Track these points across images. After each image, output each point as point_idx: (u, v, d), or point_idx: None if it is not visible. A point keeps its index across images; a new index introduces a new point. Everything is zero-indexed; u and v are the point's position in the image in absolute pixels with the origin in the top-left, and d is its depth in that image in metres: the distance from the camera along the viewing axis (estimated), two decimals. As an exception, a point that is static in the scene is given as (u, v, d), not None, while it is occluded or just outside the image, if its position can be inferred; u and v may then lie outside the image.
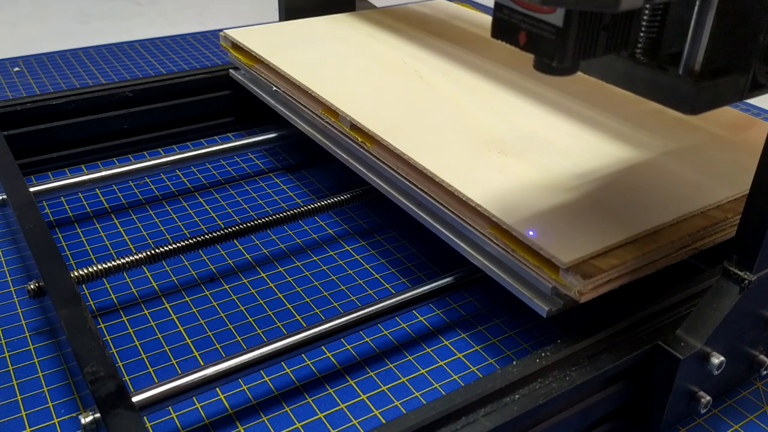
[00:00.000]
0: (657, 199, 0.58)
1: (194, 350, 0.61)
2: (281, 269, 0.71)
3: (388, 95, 0.73)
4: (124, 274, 0.69)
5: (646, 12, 0.42)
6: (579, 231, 0.53)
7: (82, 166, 0.87)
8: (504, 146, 0.65)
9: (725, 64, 0.43)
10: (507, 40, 0.40)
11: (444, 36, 0.91)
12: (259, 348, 0.55)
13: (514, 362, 0.48)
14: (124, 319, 0.64)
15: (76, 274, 0.61)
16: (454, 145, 0.64)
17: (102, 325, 0.63)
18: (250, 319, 0.64)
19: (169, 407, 0.55)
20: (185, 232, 0.76)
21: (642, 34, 0.43)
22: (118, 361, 0.60)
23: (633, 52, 0.44)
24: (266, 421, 0.55)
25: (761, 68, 0.44)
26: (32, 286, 0.58)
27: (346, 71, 0.79)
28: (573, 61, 0.39)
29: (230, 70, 0.91)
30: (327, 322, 0.57)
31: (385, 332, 0.63)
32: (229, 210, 0.80)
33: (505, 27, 0.40)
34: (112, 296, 0.67)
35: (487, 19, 0.99)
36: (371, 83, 0.76)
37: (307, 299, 0.67)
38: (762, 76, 0.44)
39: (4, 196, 0.68)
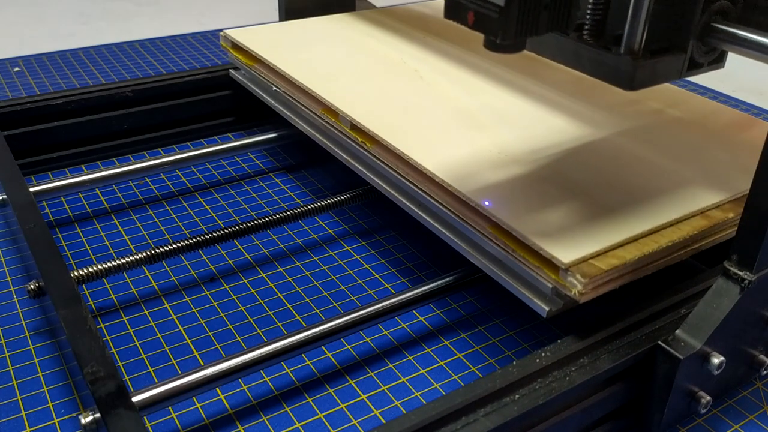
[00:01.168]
0: (657, 199, 0.58)
1: (194, 350, 0.61)
2: (281, 269, 0.71)
3: (388, 95, 0.73)
4: (124, 274, 0.69)
5: None
6: (579, 231, 0.53)
7: (82, 166, 0.87)
8: (505, 146, 0.65)
9: (664, 44, 0.46)
10: (457, 20, 0.43)
11: (444, 36, 0.91)
12: (259, 348, 0.55)
13: (514, 362, 0.48)
14: (124, 319, 0.64)
15: (76, 274, 0.61)
16: (455, 144, 0.64)
17: (102, 325, 0.63)
18: (250, 319, 0.64)
19: (169, 407, 0.55)
20: (185, 232, 0.76)
21: (588, 17, 0.46)
22: (118, 361, 0.60)
23: (581, 34, 0.47)
24: (266, 421, 0.55)
25: (699, 48, 0.47)
26: (32, 286, 0.58)
27: (346, 71, 0.79)
28: (516, 38, 0.42)
29: (230, 70, 0.91)
30: (327, 322, 0.57)
31: (385, 332, 0.63)
32: (229, 210, 0.80)
33: (455, 8, 0.43)
34: (112, 296, 0.67)
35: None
36: (371, 83, 0.76)
37: (307, 299, 0.67)
38: (700, 55, 0.47)
39: (4, 196, 0.68)
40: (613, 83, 0.46)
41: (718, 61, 0.49)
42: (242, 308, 0.66)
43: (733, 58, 0.49)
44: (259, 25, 0.92)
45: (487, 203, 0.56)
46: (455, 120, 0.69)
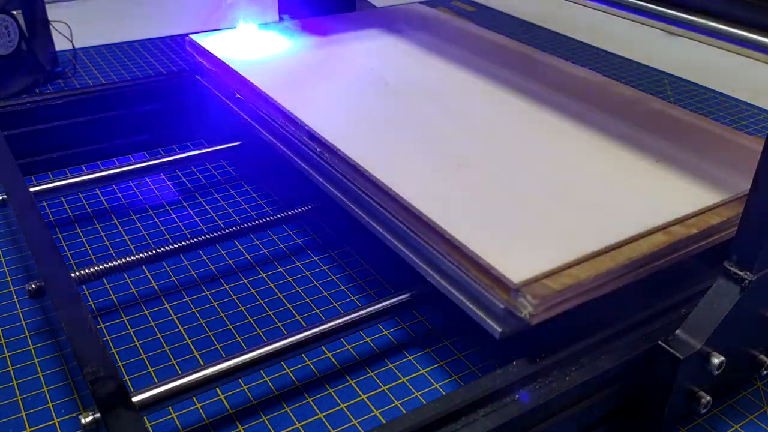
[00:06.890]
0: (620, 213, 0.55)
1: (194, 350, 0.61)
2: (281, 269, 0.71)
3: (350, 104, 0.72)
4: (124, 274, 0.69)
5: None
6: (534, 248, 0.51)
7: (82, 166, 0.87)
8: (465, 159, 0.62)
9: None
10: None
11: (418, 42, 0.89)
12: (259, 348, 0.54)
13: (514, 362, 0.48)
14: (124, 319, 0.64)
15: (76, 274, 0.61)
16: (414, 157, 0.62)
17: (102, 325, 0.63)
18: (250, 319, 0.64)
19: (169, 407, 0.55)
20: (185, 232, 0.76)
21: None
22: (118, 361, 0.60)
23: None
24: (266, 421, 0.55)
25: None
26: (32, 286, 0.58)
27: (310, 79, 0.77)
28: None
29: (196, 76, 0.89)
30: (327, 322, 0.57)
31: (386, 332, 0.63)
32: (229, 210, 0.80)
33: None
34: (112, 296, 0.67)
35: (467, 27, 0.98)
36: (334, 92, 0.74)
37: (307, 299, 0.67)
38: None
39: (4, 196, 0.68)
40: None
41: None
42: (242, 308, 0.66)
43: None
44: (225, 30, 0.91)
45: None
46: (417, 131, 0.67)
